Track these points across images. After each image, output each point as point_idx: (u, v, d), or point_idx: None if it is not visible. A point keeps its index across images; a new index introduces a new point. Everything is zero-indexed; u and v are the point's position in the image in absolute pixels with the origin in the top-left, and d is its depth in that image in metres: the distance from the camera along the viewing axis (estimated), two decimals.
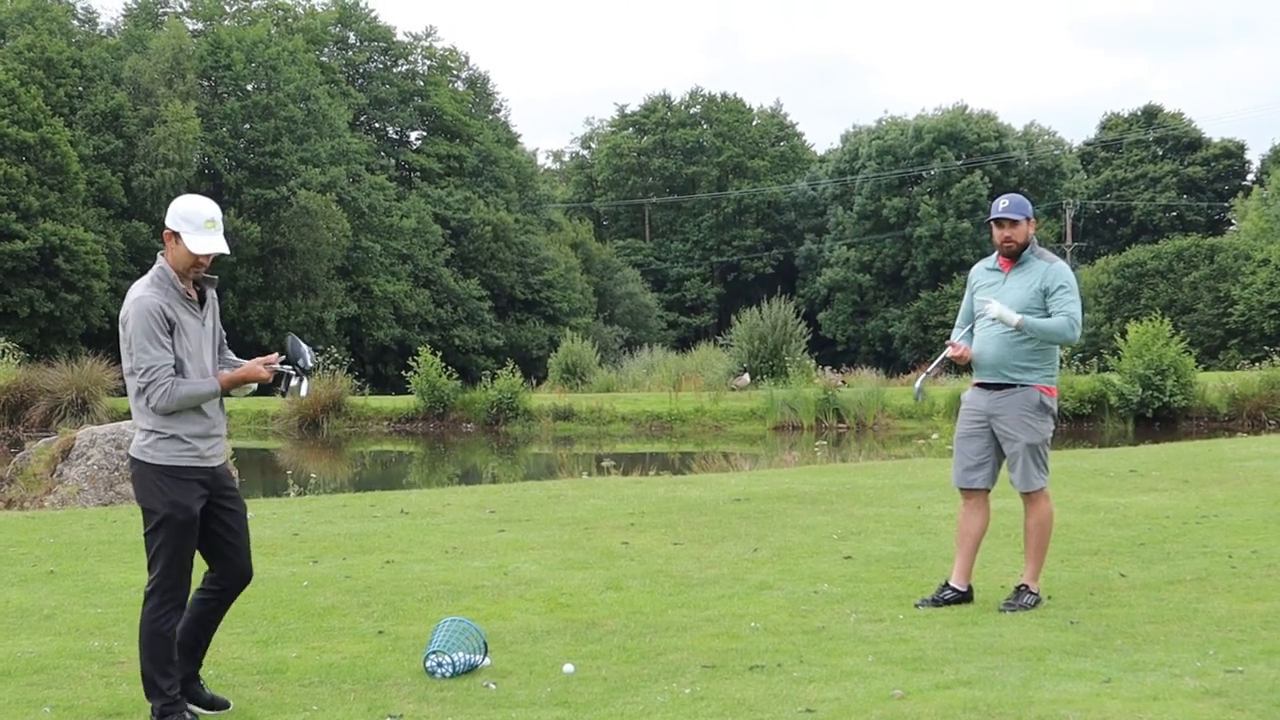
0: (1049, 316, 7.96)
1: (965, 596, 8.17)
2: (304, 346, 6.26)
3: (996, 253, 8.30)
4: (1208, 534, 10.73)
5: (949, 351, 8.22)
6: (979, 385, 8.22)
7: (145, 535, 5.95)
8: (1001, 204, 8.14)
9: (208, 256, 5.90)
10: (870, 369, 47.60)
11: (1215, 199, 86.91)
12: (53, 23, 66.28)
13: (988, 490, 8.27)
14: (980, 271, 8.38)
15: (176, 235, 5.90)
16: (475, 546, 10.88)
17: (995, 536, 10.69)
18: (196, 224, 5.90)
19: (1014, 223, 8.06)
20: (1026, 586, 8.06)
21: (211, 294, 6.16)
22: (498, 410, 39.39)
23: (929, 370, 8.88)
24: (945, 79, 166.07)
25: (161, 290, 5.88)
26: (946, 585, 8.20)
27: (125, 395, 30.18)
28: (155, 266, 5.97)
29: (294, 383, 6.20)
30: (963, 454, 8.23)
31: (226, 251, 5.99)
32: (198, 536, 5.99)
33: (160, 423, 5.85)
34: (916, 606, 8.04)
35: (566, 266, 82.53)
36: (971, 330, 8.29)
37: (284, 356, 6.19)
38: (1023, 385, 8.00)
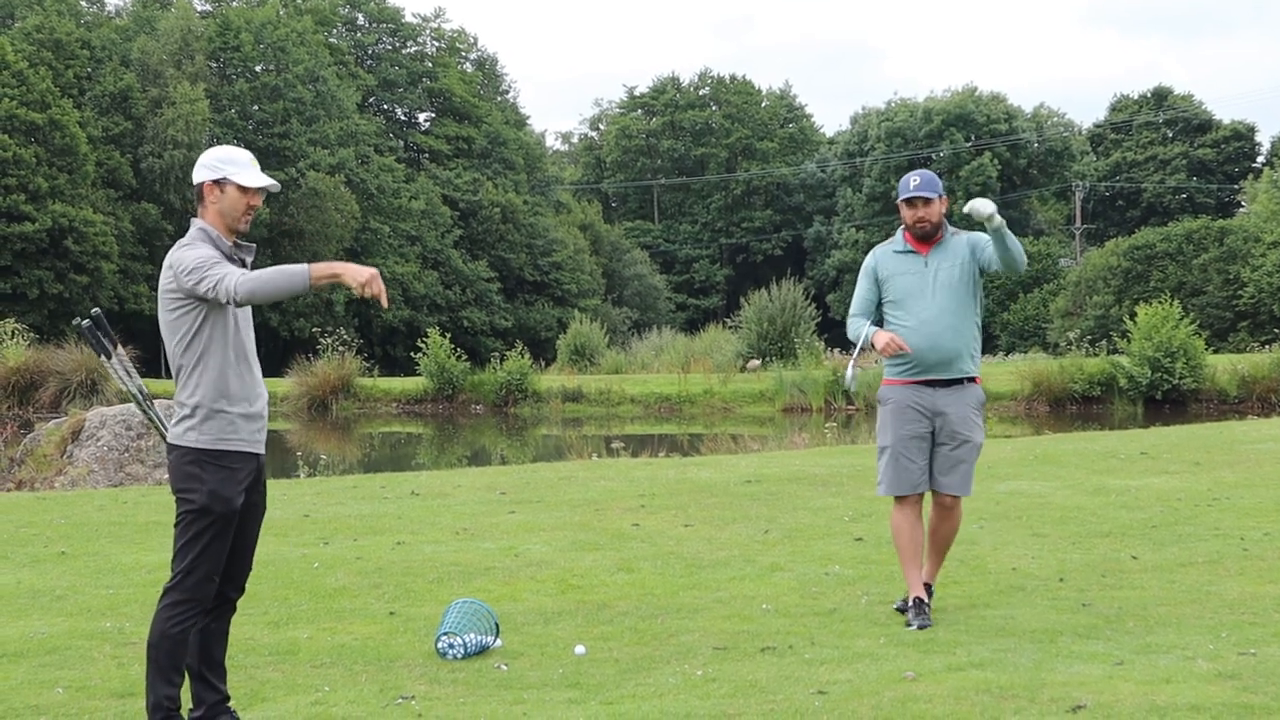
0: (978, 283, 7.43)
1: (929, 590, 7.51)
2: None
3: (900, 235, 7.53)
4: (1219, 516, 10.70)
5: (879, 341, 7.27)
6: (923, 383, 7.37)
7: (176, 526, 5.30)
8: (913, 181, 7.38)
9: (260, 194, 5.34)
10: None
11: (1225, 181, 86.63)
12: (61, 3, 66.26)
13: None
14: (889, 259, 7.50)
15: (220, 182, 5.30)
16: (486, 528, 10.88)
17: (1006, 519, 10.71)
18: (241, 162, 5.34)
19: (927, 201, 7.33)
20: (930, 585, 7.44)
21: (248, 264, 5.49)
22: (507, 392, 39.39)
23: (854, 359, 8.31)
24: (955, 61, 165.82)
25: (208, 248, 5.24)
26: (925, 589, 7.44)
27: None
28: (192, 229, 5.32)
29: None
30: (906, 459, 7.43)
31: (277, 186, 5.41)
32: (233, 534, 5.35)
33: (207, 396, 5.21)
34: (919, 629, 7.11)
35: (575, 248, 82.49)
36: (879, 323, 7.51)
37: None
38: (970, 379, 7.38)
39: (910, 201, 7.36)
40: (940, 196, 7.37)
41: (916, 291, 7.37)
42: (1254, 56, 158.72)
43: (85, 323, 5.80)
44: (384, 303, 5.26)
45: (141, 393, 5.96)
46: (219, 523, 5.24)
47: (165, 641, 5.20)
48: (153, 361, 44.31)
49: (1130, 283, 57.86)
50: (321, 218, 65.87)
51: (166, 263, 5.26)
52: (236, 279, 5.02)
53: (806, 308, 43.96)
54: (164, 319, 5.28)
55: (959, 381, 7.36)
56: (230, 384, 5.28)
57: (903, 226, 7.51)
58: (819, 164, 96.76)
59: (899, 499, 7.50)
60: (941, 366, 7.33)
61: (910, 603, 7.30)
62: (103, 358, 5.80)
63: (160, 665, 5.20)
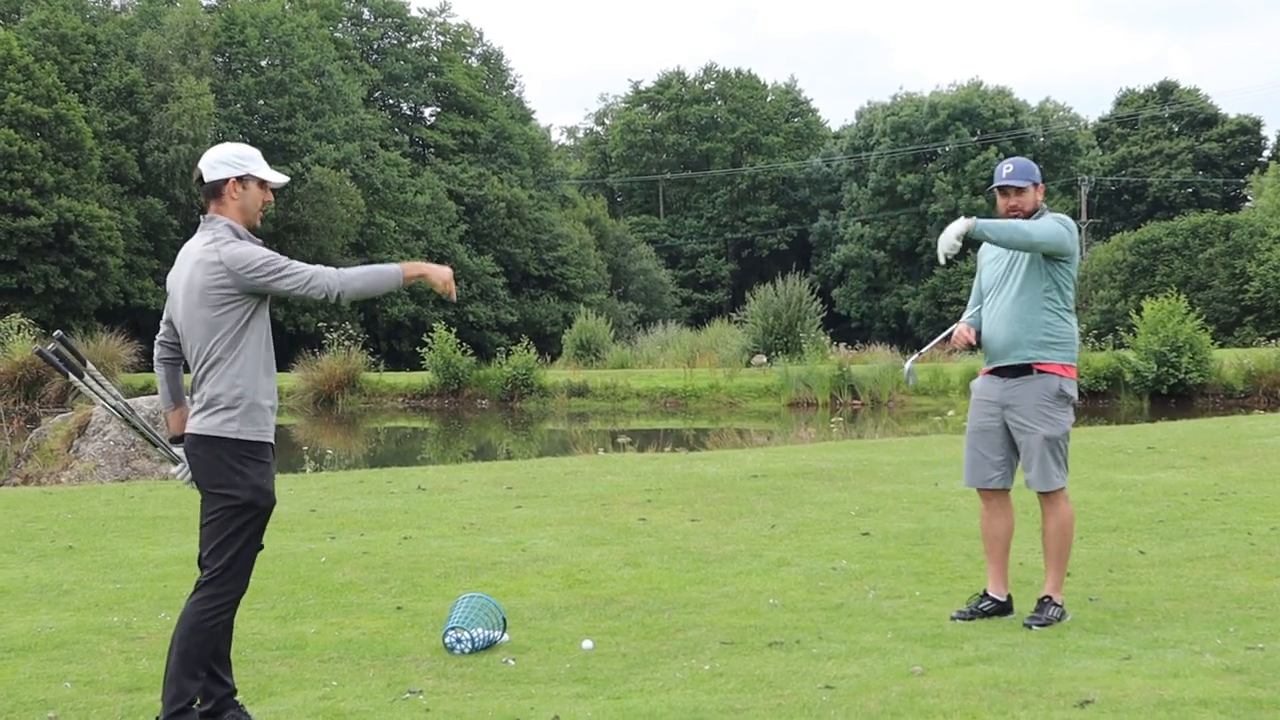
0: (1054, 267, 7.15)
1: (1005, 607, 7.25)
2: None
3: None
4: (1226, 511, 10.69)
5: (956, 332, 7.33)
6: (991, 372, 7.28)
7: (210, 523, 5.29)
8: (1005, 169, 7.22)
9: (272, 190, 5.49)
10: (885, 345, 47.63)
11: (1231, 175, 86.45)
12: None
13: (1007, 490, 7.36)
14: (986, 250, 7.41)
15: (244, 178, 5.37)
16: (492, 522, 10.89)
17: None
18: (258, 159, 5.44)
19: (1020, 190, 7.15)
20: (1050, 598, 7.12)
21: None
22: (512, 386, 39.45)
23: (923, 351, 8.26)
24: (960, 55, 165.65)
25: (256, 245, 5.34)
26: (985, 595, 7.30)
27: (140, 371, 29.89)
28: (220, 225, 5.33)
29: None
30: (977, 450, 7.30)
31: (288, 181, 5.62)
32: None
33: (249, 389, 5.26)
34: (953, 619, 7.19)
35: (580, 243, 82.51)
36: (980, 310, 7.43)
37: None
38: (1040, 370, 7.09)
39: (1003, 190, 7.22)
40: (1035, 185, 7.21)
41: (997, 281, 7.29)
42: (1260, 50, 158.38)
43: (50, 347, 5.66)
44: (453, 297, 5.73)
45: (120, 400, 5.92)
46: (260, 516, 5.34)
47: (198, 635, 5.20)
48: None
49: (1136, 277, 57.83)
50: (327, 212, 65.89)
51: (210, 259, 5.23)
52: (340, 277, 5.31)
53: (812, 302, 44.00)
54: (202, 315, 5.25)
55: (1026, 370, 7.14)
56: (262, 377, 5.37)
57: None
58: (824, 159, 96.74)
59: (980, 491, 7.40)
60: (1000, 355, 7.20)
61: (981, 593, 7.34)
62: (73, 378, 5.72)
63: (189, 659, 5.19)
